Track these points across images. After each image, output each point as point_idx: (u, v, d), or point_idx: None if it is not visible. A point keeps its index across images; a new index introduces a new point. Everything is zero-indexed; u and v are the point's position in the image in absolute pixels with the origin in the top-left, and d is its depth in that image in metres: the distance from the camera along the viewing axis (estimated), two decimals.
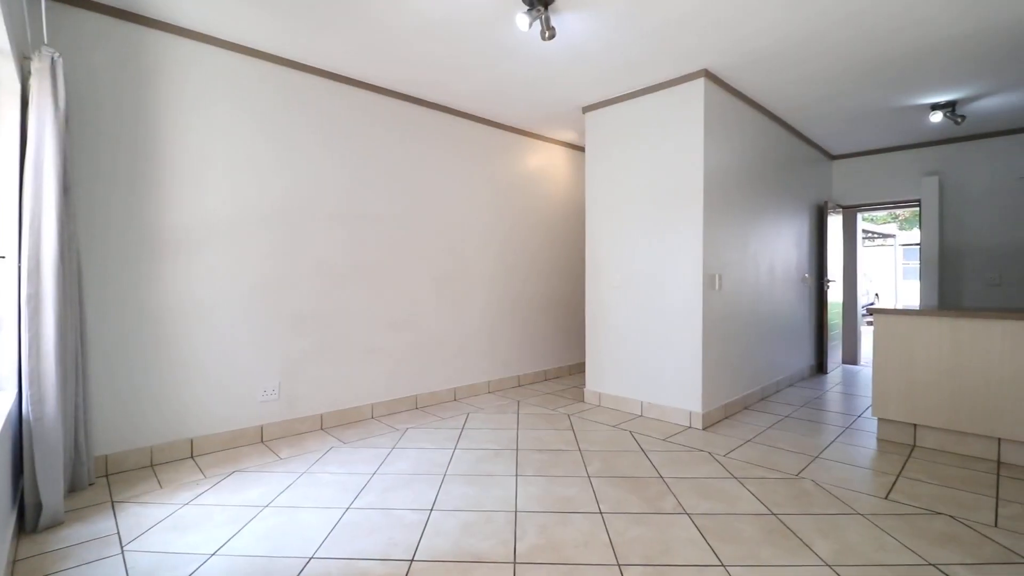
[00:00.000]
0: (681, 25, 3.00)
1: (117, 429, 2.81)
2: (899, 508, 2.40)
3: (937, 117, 4.37)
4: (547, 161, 5.34)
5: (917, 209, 5.55)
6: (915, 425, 3.31)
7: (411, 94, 4.07)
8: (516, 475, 2.78)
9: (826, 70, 3.60)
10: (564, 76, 3.74)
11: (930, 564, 1.93)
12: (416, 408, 4.17)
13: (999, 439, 3.02)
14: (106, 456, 2.77)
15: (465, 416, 3.95)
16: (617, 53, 3.36)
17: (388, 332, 3.98)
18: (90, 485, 2.61)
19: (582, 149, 5.62)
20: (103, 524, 2.23)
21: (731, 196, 4.00)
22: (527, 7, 2.75)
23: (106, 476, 2.75)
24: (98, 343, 2.74)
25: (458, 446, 3.25)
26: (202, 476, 2.76)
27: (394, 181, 4.01)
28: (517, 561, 1.93)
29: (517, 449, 3.20)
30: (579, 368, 5.67)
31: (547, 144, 5.33)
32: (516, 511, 2.35)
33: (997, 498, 2.52)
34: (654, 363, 3.94)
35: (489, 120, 4.71)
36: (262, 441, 3.32)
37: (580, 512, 2.34)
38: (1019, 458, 2.96)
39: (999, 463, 3.00)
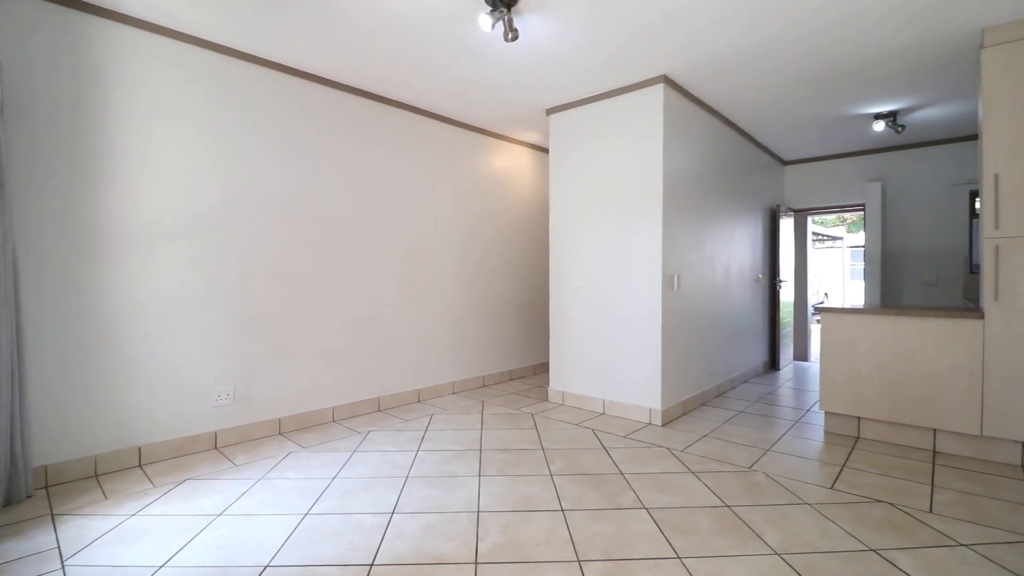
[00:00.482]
0: (641, 32, 3.07)
1: (58, 437, 2.66)
2: (843, 497, 2.53)
3: (880, 126, 4.61)
4: (512, 162, 5.36)
5: (862, 213, 5.84)
6: (859, 418, 3.50)
7: (373, 91, 4.01)
8: (479, 475, 2.78)
9: (777, 80, 3.76)
10: (528, 78, 3.76)
11: (871, 549, 2.04)
12: (379, 410, 4.12)
13: (934, 430, 3.22)
14: (46, 466, 2.62)
15: (429, 417, 3.93)
16: (580, 57, 3.40)
17: (349, 333, 3.91)
18: (28, 497, 2.46)
19: (546, 150, 5.67)
20: (42, 538, 2.11)
21: (689, 198, 4.12)
22: (490, 8, 2.76)
23: (46, 488, 2.60)
24: (37, 346, 2.59)
25: (421, 448, 3.23)
26: (151, 485, 2.65)
27: (355, 179, 3.95)
28: (479, 561, 1.94)
29: (481, 449, 3.21)
30: (543, 368, 5.71)
31: (512, 145, 5.36)
32: (479, 511, 2.35)
33: (932, 485, 2.68)
34: (615, 362, 4.01)
35: (453, 120, 4.69)
36: (216, 448, 3.21)
37: (542, 510, 2.37)
38: (952, 447, 3.17)
39: (934, 452, 3.20)
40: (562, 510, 2.37)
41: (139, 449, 2.92)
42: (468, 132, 4.86)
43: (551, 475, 2.79)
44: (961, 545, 2.07)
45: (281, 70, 3.48)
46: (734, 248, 5.00)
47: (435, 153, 4.55)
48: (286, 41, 3.17)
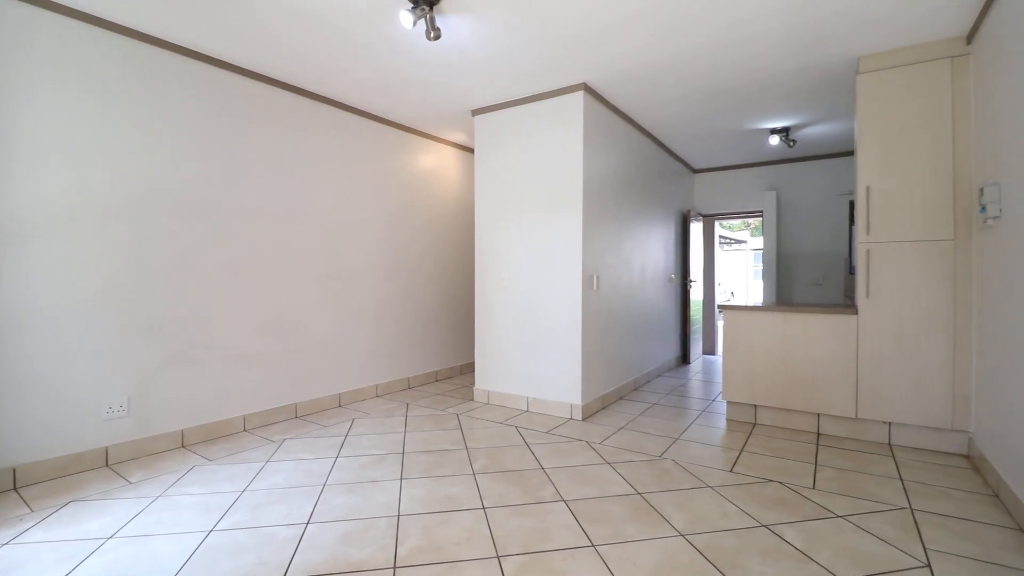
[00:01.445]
0: (561, 41, 3.17)
1: None
2: (741, 479, 2.76)
3: (775, 140, 5.07)
4: (438, 162, 5.32)
5: (761, 219, 6.39)
6: (755, 406, 3.83)
7: (292, 83, 3.83)
8: (401, 479, 2.75)
9: (685, 93, 4.02)
10: (454, 77, 3.76)
11: (763, 525, 2.24)
12: (296, 417, 3.93)
13: (818, 414, 3.59)
14: None
15: (350, 422, 3.81)
16: (503, 60, 3.45)
17: (262, 336, 3.71)
18: None
19: (472, 151, 5.69)
20: None
21: (608, 202, 4.31)
22: (411, 5, 2.73)
23: None
24: None
25: (341, 454, 3.13)
26: (28, 510, 2.37)
27: (271, 174, 3.74)
28: (397, 565, 1.91)
29: (403, 452, 3.16)
30: (470, 368, 5.73)
31: (438, 144, 5.32)
32: (399, 515, 2.32)
33: (816, 464, 2.99)
34: (538, 360, 4.11)
35: (379, 116, 4.58)
36: (107, 465, 2.92)
37: (463, 509, 2.38)
38: (833, 429, 3.55)
39: (818, 434, 3.57)
40: (483, 508, 2.39)
41: (14, 470, 2.59)
42: (393, 130, 4.77)
43: (474, 474, 2.81)
44: (839, 516, 2.34)
45: (186, 54, 3.23)
46: (649, 250, 5.29)
47: (359, 150, 4.42)
48: (190, 24, 2.95)
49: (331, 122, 4.17)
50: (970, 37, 3.01)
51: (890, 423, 3.33)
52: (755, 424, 3.82)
